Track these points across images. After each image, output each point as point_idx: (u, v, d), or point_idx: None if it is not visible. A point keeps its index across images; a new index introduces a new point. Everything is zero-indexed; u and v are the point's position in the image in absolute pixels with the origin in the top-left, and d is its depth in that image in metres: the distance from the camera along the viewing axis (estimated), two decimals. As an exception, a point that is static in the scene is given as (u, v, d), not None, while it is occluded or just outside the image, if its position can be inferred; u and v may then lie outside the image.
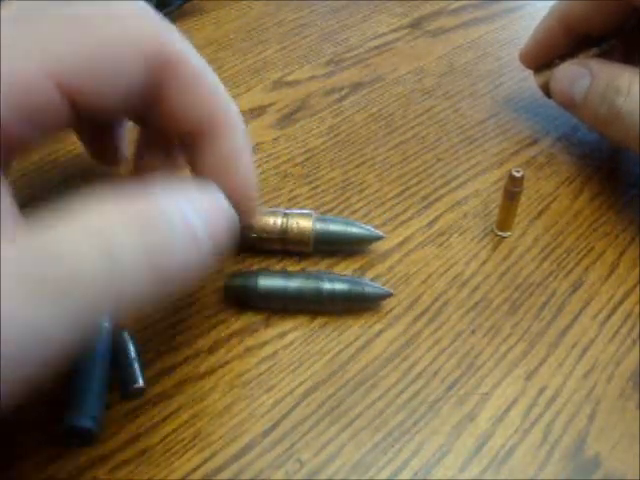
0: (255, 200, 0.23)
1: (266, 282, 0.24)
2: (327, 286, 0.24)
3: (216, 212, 0.18)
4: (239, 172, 0.21)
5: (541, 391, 0.23)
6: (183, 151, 0.23)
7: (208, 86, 0.20)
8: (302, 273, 0.26)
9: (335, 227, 0.26)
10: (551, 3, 0.33)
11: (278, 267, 0.26)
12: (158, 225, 0.16)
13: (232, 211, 0.19)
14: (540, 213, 0.29)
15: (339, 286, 0.24)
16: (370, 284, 0.24)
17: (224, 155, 0.21)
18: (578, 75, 0.31)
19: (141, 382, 0.22)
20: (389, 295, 0.24)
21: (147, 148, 0.24)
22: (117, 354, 0.22)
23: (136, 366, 0.22)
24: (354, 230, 0.26)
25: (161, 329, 0.24)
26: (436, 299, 0.26)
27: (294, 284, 0.24)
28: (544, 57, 0.33)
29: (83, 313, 0.15)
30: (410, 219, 0.29)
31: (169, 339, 0.24)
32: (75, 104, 0.18)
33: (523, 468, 0.20)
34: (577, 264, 0.27)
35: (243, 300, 0.24)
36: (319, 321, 0.24)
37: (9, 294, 0.14)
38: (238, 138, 0.21)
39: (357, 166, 0.32)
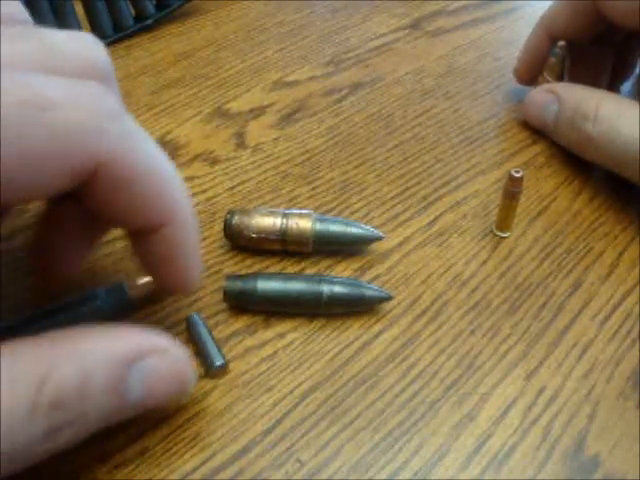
0: (194, 287, 0.21)
1: (265, 286, 0.24)
2: (326, 291, 0.24)
3: (161, 379, 0.18)
4: (182, 269, 0.20)
5: (541, 391, 0.23)
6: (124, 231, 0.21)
7: (149, 185, 0.18)
8: (302, 275, 0.26)
9: (335, 227, 0.26)
10: (550, 4, 0.33)
11: (278, 267, 0.26)
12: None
13: (181, 377, 0.19)
14: (540, 213, 0.29)
15: (338, 290, 0.24)
16: (370, 287, 0.24)
17: (168, 251, 0.20)
18: (547, 101, 0.32)
19: (222, 360, 0.23)
20: (389, 298, 0.24)
21: (60, 224, 0.22)
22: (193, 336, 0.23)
23: (213, 344, 0.23)
24: (354, 230, 0.26)
25: (161, 329, 0.24)
26: (436, 299, 0.26)
27: (293, 288, 0.24)
28: (537, 70, 0.34)
29: None
30: (410, 219, 0.29)
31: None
32: None
33: (523, 468, 0.20)
34: (577, 264, 0.27)
35: (242, 304, 0.24)
36: (319, 321, 0.24)
37: None
38: (184, 236, 0.20)
39: (357, 166, 0.32)
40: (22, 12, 0.20)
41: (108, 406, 0.17)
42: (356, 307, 0.24)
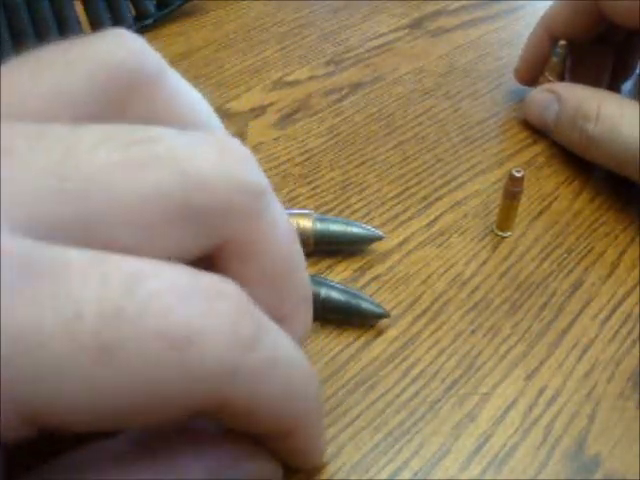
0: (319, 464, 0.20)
1: None
2: (323, 294, 0.24)
3: None
4: (307, 459, 0.19)
5: (541, 391, 0.23)
6: None
7: (276, 411, 0.15)
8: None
9: (335, 227, 0.26)
10: (550, 4, 0.33)
11: (278, 267, 0.26)
12: None
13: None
14: (540, 213, 0.29)
15: (335, 295, 0.24)
16: (367, 300, 0.24)
17: (292, 453, 0.18)
18: (547, 102, 0.32)
19: None
20: (385, 316, 0.24)
21: None
22: None
23: None
24: (354, 230, 0.26)
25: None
26: (436, 299, 0.26)
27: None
28: (538, 70, 0.34)
29: None
30: (410, 219, 0.29)
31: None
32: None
33: (523, 468, 0.20)
34: (577, 264, 0.27)
35: None
36: (319, 321, 0.24)
37: None
38: (309, 441, 0.18)
39: (357, 166, 0.31)
40: (167, 85, 0.16)
41: None
42: (350, 317, 0.24)
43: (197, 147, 0.14)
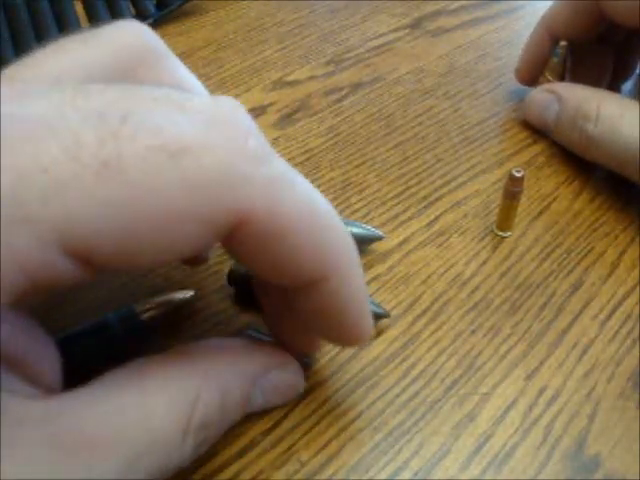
0: (367, 337, 0.19)
1: None
2: None
3: (279, 391, 0.20)
4: (350, 323, 0.18)
5: (541, 391, 0.23)
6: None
7: (304, 237, 0.15)
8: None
9: (335, 227, 0.26)
10: (550, 4, 0.33)
11: (278, 267, 0.26)
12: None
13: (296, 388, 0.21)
14: (540, 213, 0.29)
15: None
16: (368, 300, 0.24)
17: (334, 305, 0.17)
18: (547, 102, 0.32)
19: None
20: (385, 316, 0.24)
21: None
22: None
23: None
24: (354, 230, 0.26)
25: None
26: (436, 299, 0.26)
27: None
28: (538, 70, 0.34)
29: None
30: (410, 219, 0.29)
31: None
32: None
33: (523, 468, 0.20)
34: (577, 264, 0.27)
35: (244, 287, 0.24)
36: (319, 321, 0.24)
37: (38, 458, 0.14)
38: (351, 287, 0.17)
39: (357, 166, 0.31)
40: (169, 65, 0.19)
41: (236, 416, 0.19)
42: None
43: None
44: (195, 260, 0.23)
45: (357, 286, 0.17)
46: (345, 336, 0.18)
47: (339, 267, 0.16)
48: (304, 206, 0.15)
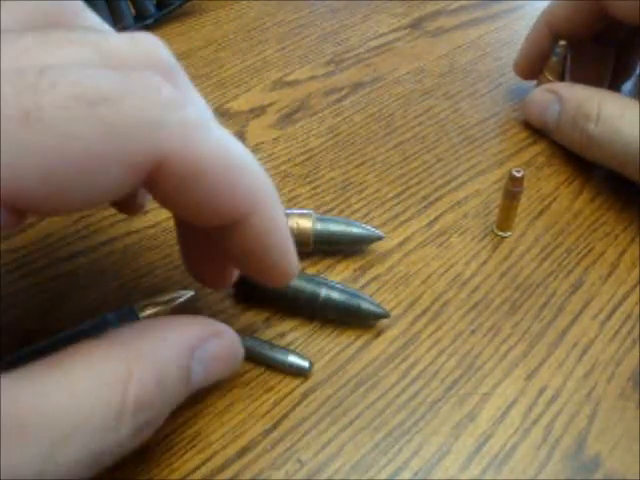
0: (294, 272, 0.20)
1: None
2: (324, 294, 0.24)
3: (219, 360, 0.19)
4: (276, 257, 0.19)
5: (541, 391, 0.23)
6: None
7: (221, 176, 0.16)
8: (303, 274, 0.26)
9: (335, 227, 0.26)
10: (550, 3, 0.33)
11: (278, 267, 0.26)
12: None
13: (235, 356, 0.20)
14: (540, 213, 0.29)
15: (336, 296, 0.24)
16: (368, 300, 0.24)
17: (259, 240, 0.18)
18: (548, 102, 0.32)
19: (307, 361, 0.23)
20: (385, 315, 0.24)
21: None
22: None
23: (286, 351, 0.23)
24: (354, 230, 0.26)
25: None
26: (436, 299, 0.26)
27: (293, 284, 0.24)
28: (537, 64, 0.34)
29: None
30: (410, 219, 0.29)
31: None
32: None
33: (523, 468, 0.20)
34: (577, 264, 0.27)
35: (248, 292, 0.24)
36: (319, 321, 0.24)
37: None
38: (273, 222, 0.18)
39: (357, 166, 0.31)
40: (87, 18, 0.19)
41: (179, 394, 0.18)
42: (350, 317, 0.24)
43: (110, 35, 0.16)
44: (131, 208, 0.23)
45: (278, 223, 0.18)
46: (272, 273, 0.19)
47: (258, 205, 0.17)
48: (218, 147, 0.16)
